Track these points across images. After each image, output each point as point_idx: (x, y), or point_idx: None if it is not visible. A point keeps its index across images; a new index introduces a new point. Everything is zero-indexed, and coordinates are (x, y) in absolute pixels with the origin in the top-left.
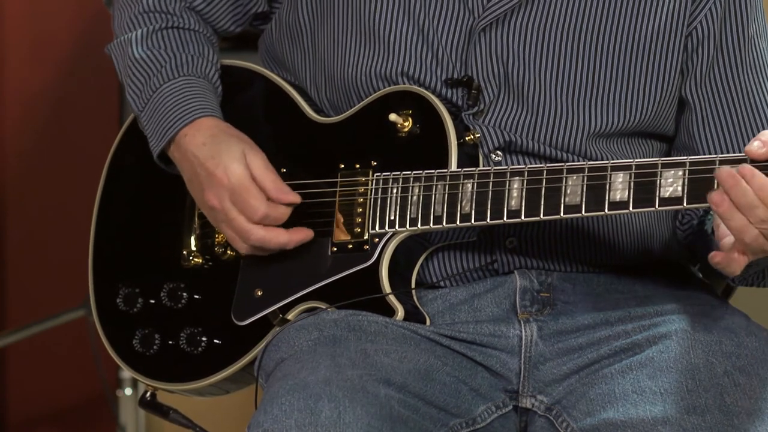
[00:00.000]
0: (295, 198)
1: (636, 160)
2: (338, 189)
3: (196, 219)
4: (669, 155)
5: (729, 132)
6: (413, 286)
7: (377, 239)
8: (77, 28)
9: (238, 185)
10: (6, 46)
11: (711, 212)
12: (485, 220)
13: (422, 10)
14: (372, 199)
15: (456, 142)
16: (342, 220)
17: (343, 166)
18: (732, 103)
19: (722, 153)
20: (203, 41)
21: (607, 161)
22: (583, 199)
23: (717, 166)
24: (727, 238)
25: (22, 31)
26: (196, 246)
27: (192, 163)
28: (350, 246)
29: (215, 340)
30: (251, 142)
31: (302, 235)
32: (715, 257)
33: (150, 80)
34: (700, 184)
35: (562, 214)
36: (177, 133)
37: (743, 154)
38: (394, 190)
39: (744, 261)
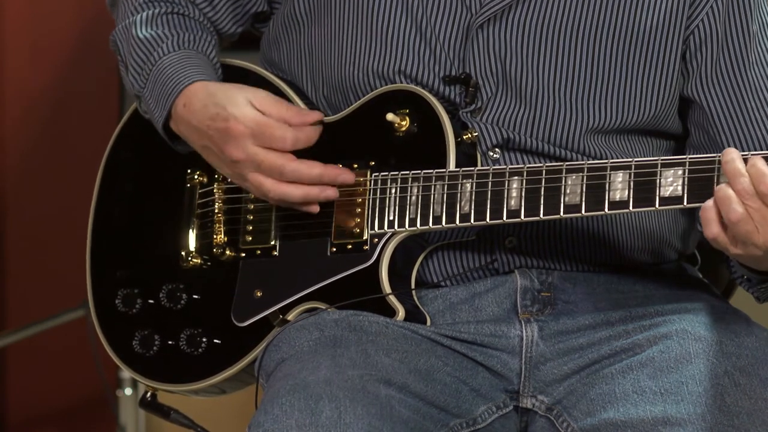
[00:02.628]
0: (317, 115)
1: (636, 159)
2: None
3: (195, 219)
4: (673, 153)
5: (744, 128)
6: (413, 285)
7: (376, 239)
8: (77, 28)
9: (256, 125)
10: (6, 46)
11: None
12: (484, 219)
13: (420, 7)
14: (370, 200)
15: (454, 142)
16: (341, 220)
17: (340, 166)
18: (742, 100)
19: (744, 147)
20: (206, 30)
21: (606, 161)
22: (583, 199)
23: (717, 165)
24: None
25: (22, 31)
26: (194, 246)
27: (200, 132)
28: (349, 246)
29: (215, 341)
30: (249, 87)
31: (337, 170)
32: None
33: (150, 56)
34: (701, 183)
35: (561, 214)
36: (174, 101)
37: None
38: (393, 190)
39: (732, 246)
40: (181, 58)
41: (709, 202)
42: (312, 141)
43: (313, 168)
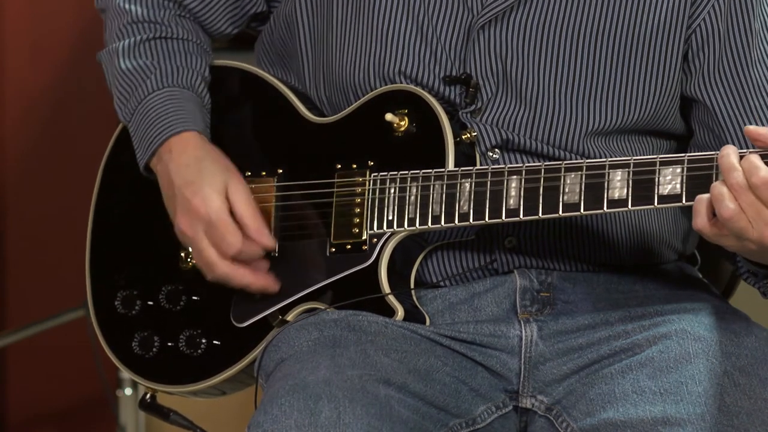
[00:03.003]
0: (271, 243)
1: (634, 157)
2: (335, 190)
3: None
4: (674, 153)
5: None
6: (412, 285)
7: (376, 239)
8: (77, 28)
9: (216, 218)
10: (6, 46)
11: None
12: (483, 219)
13: (422, 8)
14: (369, 200)
15: (453, 141)
16: (340, 220)
17: (339, 166)
18: (746, 99)
19: (749, 146)
20: (192, 50)
21: (604, 159)
22: (582, 198)
23: (715, 163)
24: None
25: (22, 31)
26: None
27: (171, 183)
28: (349, 247)
29: (215, 342)
30: (235, 172)
31: (267, 281)
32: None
33: (134, 92)
34: (699, 181)
35: (560, 213)
36: (160, 145)
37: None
38: (392, 190)
39: (720, 233)
40: (165, 100)
41: (705, 195)
42: (254, 259)
43: (244, 276)
